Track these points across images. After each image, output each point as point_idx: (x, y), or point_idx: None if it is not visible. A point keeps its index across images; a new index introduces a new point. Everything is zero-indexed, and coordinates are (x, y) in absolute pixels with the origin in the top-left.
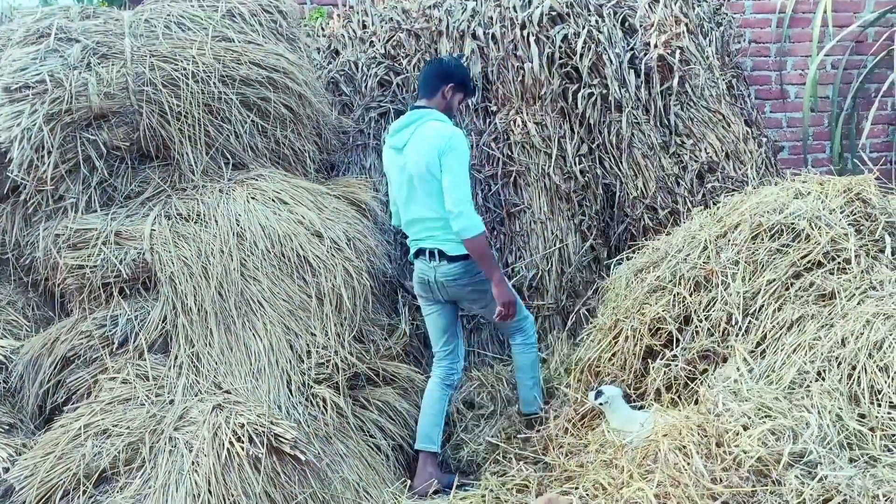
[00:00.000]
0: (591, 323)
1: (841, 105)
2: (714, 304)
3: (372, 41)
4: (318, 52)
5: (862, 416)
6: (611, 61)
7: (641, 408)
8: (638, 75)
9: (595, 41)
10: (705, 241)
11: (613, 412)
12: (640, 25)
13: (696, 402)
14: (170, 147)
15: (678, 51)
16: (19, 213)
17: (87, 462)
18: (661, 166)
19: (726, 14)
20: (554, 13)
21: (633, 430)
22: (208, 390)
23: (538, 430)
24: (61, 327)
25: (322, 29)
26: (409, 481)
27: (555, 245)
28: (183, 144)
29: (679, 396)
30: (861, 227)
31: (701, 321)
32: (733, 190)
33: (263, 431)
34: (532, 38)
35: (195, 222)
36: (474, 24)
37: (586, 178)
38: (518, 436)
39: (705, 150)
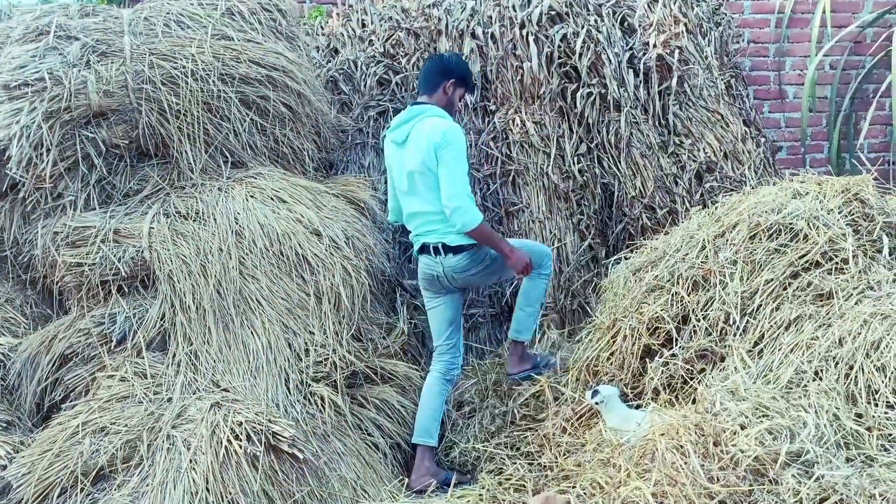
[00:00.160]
0: (590, 322)
1: (839, 105)
2: (712, 303)
3: (371, 40)
4: (318, 51)
5: (859, 415)
6: (610, 61)
7: (639, 406)
8: (637, 75)
9: (594, 41)
10: (703, 240)
11: (610, 412)
12: (639, 25)
13: (694, 402)
14: (169, 145)
15: (677, 50)
16: (18, 210)
17: (84, 460)
18: (659, 166)
19: (725, 14)
20: (553, 12)
21: (629, 429)
22: (206, 388)
23: (535, 430)
24: (59, 325)
25: (321, 27)
26: (406, 479)
27: (553, 244)
28: (182, 142)
29: (677, 396)
30: (859, 228)
31: (699, 321)
32: (731, 190)
33: (261, 429)
34: (531, 38)
35: (194, 220)
36: (473, 23)
37: (585, 178)
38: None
39: (704, 149)
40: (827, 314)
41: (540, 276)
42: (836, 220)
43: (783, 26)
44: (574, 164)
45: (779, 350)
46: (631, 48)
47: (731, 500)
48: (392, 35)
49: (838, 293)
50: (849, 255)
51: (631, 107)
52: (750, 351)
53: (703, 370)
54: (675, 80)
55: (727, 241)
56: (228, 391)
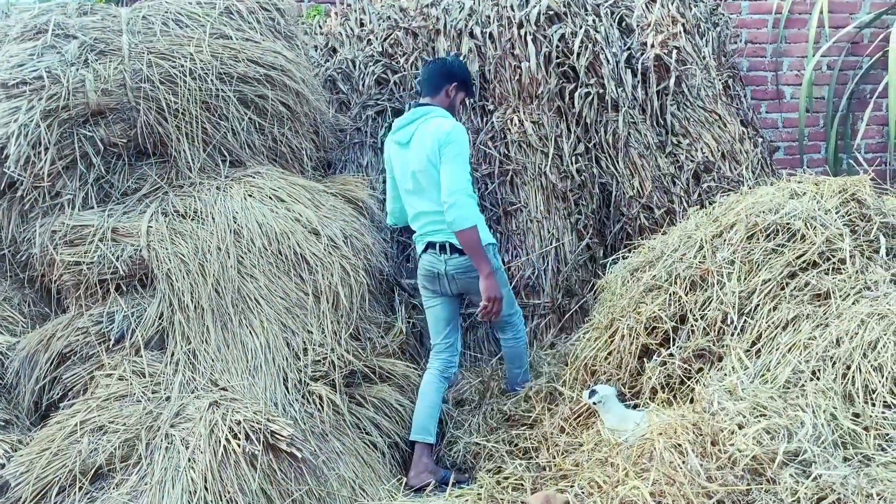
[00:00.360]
0: (588, 322)
1: (836, 106)
2: (710, 303)
3: (369, 39)
4: (316, 50)
5: (856, 415)
6: (608, 61)
7: (637, 406)
8: (635, 75)
9: (592, 41)
10: (701, 240)
11: (607, 412)
12: (637, 25)
13: (692, 401)
14: (167, 144)
15: (675, 51)
16: (16, 209)
17: (83, 458)
18: (657, 166)
19: (723, 14)
20: (551, 12)
21: (627, 428)
22: (205, 387)
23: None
24: (57, 324)
25: (320, 27)
26: (404, 478)
27: (551, 244)
28: (180, 141)
29: (675, 395)
30: (856, 228)
31: (696, 320)
32: (729, 190)
33: (260, 428)
34: (529, 38)
35: (192, 219)
36: (472, 22)
37: (583, 178)
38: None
39: (701, 149)
40: (824, 314)
41: (516, 340)
42: (834, 221)
43: (781, 27)
44: (572, 163)
45: (776, 350)
46: (629, 48)
47: (729, 500)
48: (390, 34)
49: (835, 293)
50: (846, 255)
51: (629, 107)
52: (747, 351)
53: (700, 370)
54: (672, 81)
55: (725, 241)
56: (227, 390)
